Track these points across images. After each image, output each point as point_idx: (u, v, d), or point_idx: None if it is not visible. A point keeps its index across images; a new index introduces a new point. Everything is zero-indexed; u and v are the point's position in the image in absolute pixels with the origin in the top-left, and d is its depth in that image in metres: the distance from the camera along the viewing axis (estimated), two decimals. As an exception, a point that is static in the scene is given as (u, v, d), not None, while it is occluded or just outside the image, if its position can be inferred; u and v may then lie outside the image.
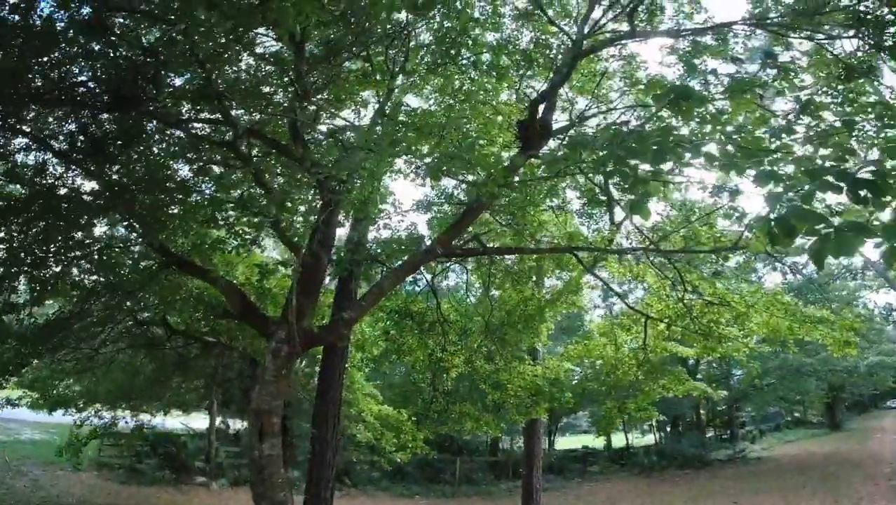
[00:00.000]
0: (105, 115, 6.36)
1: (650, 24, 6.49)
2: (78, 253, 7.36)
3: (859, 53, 6.07)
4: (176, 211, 7.09)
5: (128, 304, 8.95)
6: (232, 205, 7.03)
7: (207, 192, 7.46)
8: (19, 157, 6.88)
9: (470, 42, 6.43)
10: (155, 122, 6.68)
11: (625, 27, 6.39)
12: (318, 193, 6.48)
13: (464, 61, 6.50)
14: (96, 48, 5.78)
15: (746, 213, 6.53)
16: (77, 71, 6.18)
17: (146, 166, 6.71)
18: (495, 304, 10.79)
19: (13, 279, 6.98)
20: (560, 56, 6.97)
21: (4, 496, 11.69)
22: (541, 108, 6.57)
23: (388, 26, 5.67)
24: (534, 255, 9.70)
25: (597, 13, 6.85)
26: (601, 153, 3.69)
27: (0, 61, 5.39)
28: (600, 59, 7.54)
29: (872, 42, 5.85)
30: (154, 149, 7.04)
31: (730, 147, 3.17)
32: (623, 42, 6.72)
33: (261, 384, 6.40)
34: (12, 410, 12.98)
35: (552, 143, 7.01)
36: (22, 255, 6.78)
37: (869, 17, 5.71)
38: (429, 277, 9.68)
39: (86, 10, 5.50)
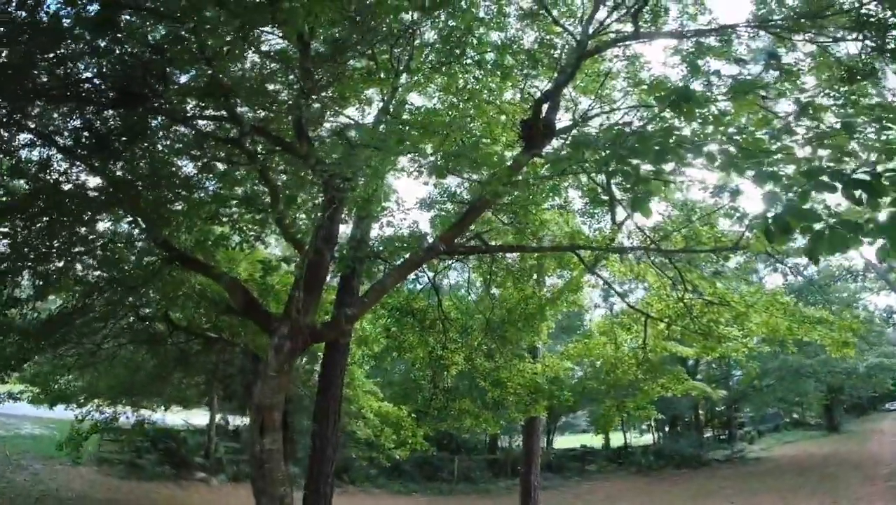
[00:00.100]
0: (110, 112, 6.38)
1: (654, 25, 6.51)
2: (81, 249, 7.37)
3: (862, 56, 6.09)
4: (180, 207, 7.12)
5: (130, 299, 8.96)
6: (236, 201, 7.08)
7: (211, 188, 7.50)
8: (24, 153, 6.91)
9: (474, 41, 6.45)
10: (160, 118, 6.71)
11: (629, 28, 6.41)
12: (323, 191, 6.51)
13: (468, 61, 6.52)
14: (103, 45, 5.81)
15: (747, 213, 6.58)
16: (83, 67, 6.20)
17: (150, 163, 6.73)
18: (496, 302, 10.85)
19: (16, 274, 6.99)
20: (564, 56, 6.99)
21: (4, 490, 11.74)
22: (544, 107, 6.60)
23: (394, 25, 5.69)
24: (535, 253, 9.75)
25: (601, 14, 6.87)
26: (604, 153, 3.73)
27: (6, 58, 5.41)
28: (604, 59, 7.56)
29: (875, 45, 5.88)
30: (158, 145, 7.06)
31: (731, 148, 3.20)
32: (627, 43, 6.75)
33: (263, 379, 6.45)
34: (14, 403, 13.05)
35: (555, 143, 7.05)
36: (25, 250, 6.80)
37: (872, 20, 5.73)
38: (430, 274, 9.73)
39: (93, 7, 5.53)
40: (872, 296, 32.73)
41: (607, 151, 3.71)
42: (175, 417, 19.25)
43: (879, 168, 2.12)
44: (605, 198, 7.19)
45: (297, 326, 6.59)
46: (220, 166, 7.66)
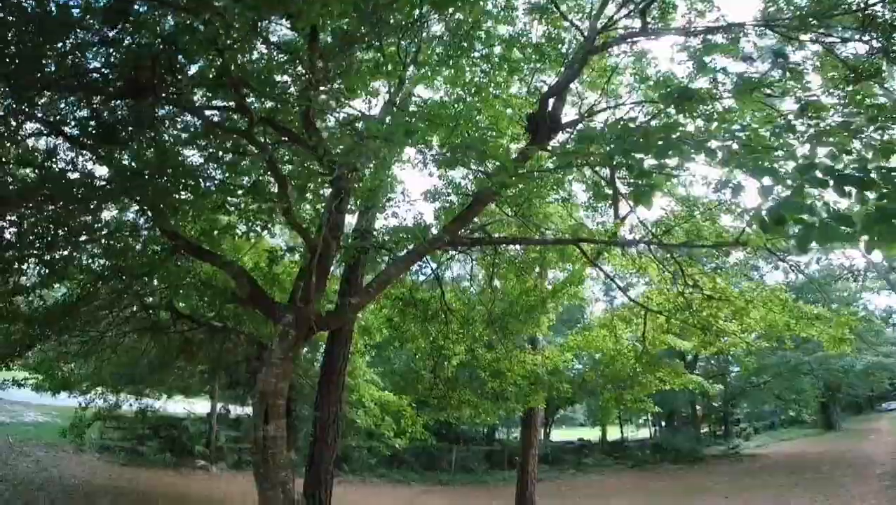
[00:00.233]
0: (118, 102, 6.41)
1: (662, 22, 6.54)
2: (85, 237, 7.41)
3: (867, 57, 6.12)
4: (187, 197, 7.15)
5: (135, 288, 9.03)
6: (242, 191, 7.14)
7: (218, 178, 7.55)
8: (30, 142, 6.94)
9: (482, 35, 6.48)
10: (168, 108, 6.74)
11: (637, 23, 6.44)
12: (329, 181, 6.57)
13: (476, 54, 6.56)
14: (111, 35, 5.84)
15: (749, 209, 6.63)
16: (90, 57, 6.23)
17: (157, 152, 6.76)
18: (498, 294, 10.95)
19: (22, 262, 7.02)
20: (571, 51, 7.03)
21: (8, 476, 11.88)
22: (551, 102, 6.66)
23: (406, 19, 5.73)
24: (539, 245, 9.84)
25: (610, 9, 6.89)
26: (609, 147, 3.80)
27: (15, 48, 5.44)
28: (611, 54, 7.58)
29: (881, 46, 5.91)
30: (165, 135, 7.09)
31: (733, 144, 3.28)
32: (635, 39, 6.77)
33: (267, 366, 6.51)
34: (18, 389, 13.17)
35: (560, 137, 7.12)
36: (31, 238, 6.84)
37: (879, 20, 5.76)
38: (433, 266, 9.83)
39: (104, -2, 5.57)
40: (873, 295, 32.90)
41: (612, 146, 3.79)
42: (176, 406, 19.41)
43: (872, 165, 2.20)
44: (609, 192, 7.25)
45: (302, 315, 6.67)
46: (226, 156, 7.72)
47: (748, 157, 2.88)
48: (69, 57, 5.94)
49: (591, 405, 29.70)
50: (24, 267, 7.26)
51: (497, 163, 4.09)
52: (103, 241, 7.55)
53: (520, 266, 10.74)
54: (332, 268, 8.27)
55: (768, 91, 4.96)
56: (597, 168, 6.38)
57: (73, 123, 6.70)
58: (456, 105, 6.45)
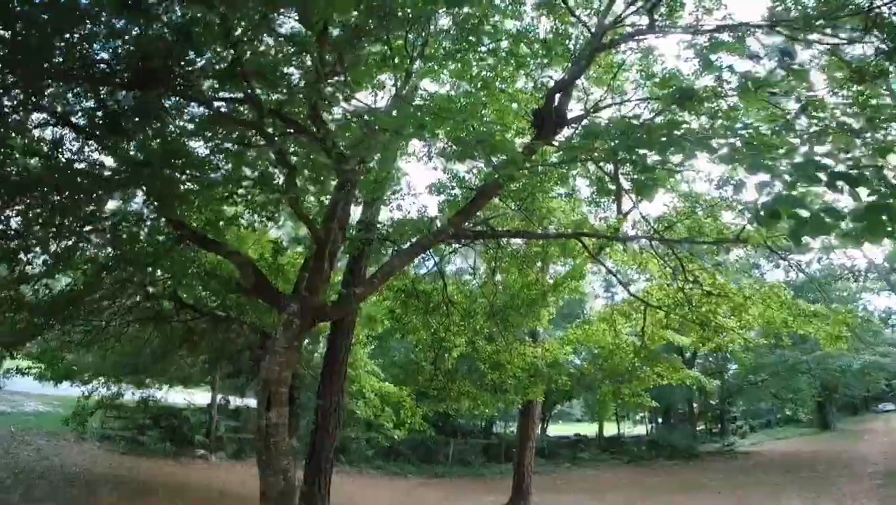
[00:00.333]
0: (125, 92, 6.42)
1: (670, 19, 6.57)
2: (89, 227, 7.43)
3: (872, 57, 6.15)
4: (194, 187, 7.19)
5: (139, 277, 9.06)
6: (250, 182, 7.20)
7: (223, 170, 7.58)
8: (36, 133, 6.93)
9: (490, 29, 6.52)
10: (176, 98, 6.76)
11: (644, 20, 6.47)
12: (336, 174, 6.64)
13: (483, 49, 6.59)
14: (121, 25, 5.86)
15: (748, 202, 6.68)
16: (98, 48, 6.24)
17: (163, 143, 6.79)
18: (500, 287, 11.04)
19: (28, 251, 7.04)
20: (579, 46, 7.06)
21: (10, 464, 12.00)
22: (557, 97, 6.72)
23: (409, 11, 5.77)
24: (541, 240, 9.93)
25: (618, 6, 6.92)
26: (614, 142, 3.88)
27: (24, 39, 5.46)
28: (618, 51, 7.62)
29: (887, 48, 5.93)
30: (172, 126, 7.11)
31: (736, 142, 3.34)
32: (642, 37, 6.81)
33: (271, 355, 6.59)
34: (22, 378, 13.29)
35: (565, 132, 7.18)
36: (36, 228, 6.88)
37: (885, 20, 5.79)
38: (436, 259, 9.92)
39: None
40: (873, 296, 33.01)
41: (616, 142, 3.86)
42: (177, 396, 19.54)
43: (867, 163, 2.29)
44: (612, 187, 7.31)
45: (307, 304, 6.76)
46: (232, 147, 7.76)
47: (748, 155, 2.97)
48: (77, 47, 5.93)
49: (588, 400, 29.88)
50: (30, 256, 7.27)
51: (505, 156, 4.16)
52: (108, 230, 7.56)
53: (522, 260, 10.83)
54: (337, 258, 8.34)
55: (773, 90, 5.01)
56: (601, 163, 6.44)
57: (80, 114, 6.73)
58: (463, 99, 6.50)
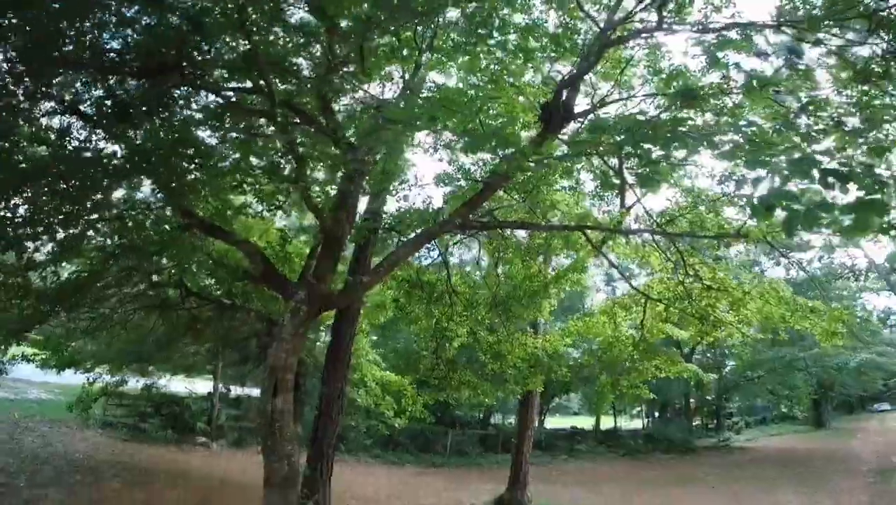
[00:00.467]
0: (135, 81, 6.45)
1: (678, 16, 6.61)
2: (96, 216, 7.48)
3: (879, 58, 6.20)
4: (202, 176, 7.22)
5: (145, 265, 9.11)
6: (259, 172, 7.27)
7: (233, 158, 7.63)
8: (44, 121, 6.92)
9: (498, 22, 6.56)
10: (185, 88, 6.79)
11: (653, 16, 6.52)
12: (344, 164, 6.71)
13: (491, 42, 6.64)
14: (130, 14, 5.89)
15: (746, 195, 6.74)
16: (108, 37, 6.25)
17: (172, 132, 6.82)
18: (503, 278, 11.15)
19: (35, 239, 7.07)
20: (587, 41, 7.10)
21: (14, 450, 12.14)
22: (565, 92, 6.79)
23: (420, 3, 5.82)
24: (545, 232, 10.02)
25: (628, 2, 6.96)
26: (619, 137, 3.97)
27: (34, 28, 5.47)
28: (626, 47, 7.66)
29: (893, 49, 5.98)
30: (181, 115, 7.13)
31: (737, 138, 3.43)
32: (650, 34, 6.85)
33: (278, 341, 6.69)
34: (28, 364, 13.41)
35: (572, 126, 7.26)
36: (43, 215, 6.92)
37: (892, 21, 5.83)
38: (441, 249, 10.02)
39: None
40: (872, 296, 33.11)
41: (622, 136, 3.95)
42: (178, 385, 19.70)
43: (860, 161, 2.41)
44: (616, 181, 7.40)
45: (315, 292, 6.86)
46: (240, 137, 7.78)
47: (749, 151, 3.06)
48: (87, 36, 5.94)
49: (586, 393, 30.10)
50: (38, 244, 7.33)
51: (514, 149, 4.23)
52: (115, 219, 7.59)
53: (525, 252, 10.94)
54: (344, 247, 8.43)
55: (777, 88, 5.09)
56: (606, 157, 6.52)
57: (88, 102, 6.74)
58: (472, 92, 6.56)
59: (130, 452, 14.69)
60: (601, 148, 4.63)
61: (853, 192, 2.38)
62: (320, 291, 6.98)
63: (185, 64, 5.91)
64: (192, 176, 7.05)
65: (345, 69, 6.67)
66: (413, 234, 7.89)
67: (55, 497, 9.38)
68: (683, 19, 6.71)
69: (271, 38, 6.43)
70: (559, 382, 14.28)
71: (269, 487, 6.18)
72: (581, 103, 7.80)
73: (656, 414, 36.60)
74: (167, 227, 7.88)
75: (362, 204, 9.59)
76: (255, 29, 5.80)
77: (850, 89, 6.14)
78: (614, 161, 6.77)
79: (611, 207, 9.53)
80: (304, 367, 10.77)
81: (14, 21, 5.51)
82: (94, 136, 6.92)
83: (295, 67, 6.50)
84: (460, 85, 7.90)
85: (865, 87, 5.94)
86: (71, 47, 5.89)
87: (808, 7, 6.00)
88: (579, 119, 7.15)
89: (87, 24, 5.84)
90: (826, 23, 5.73)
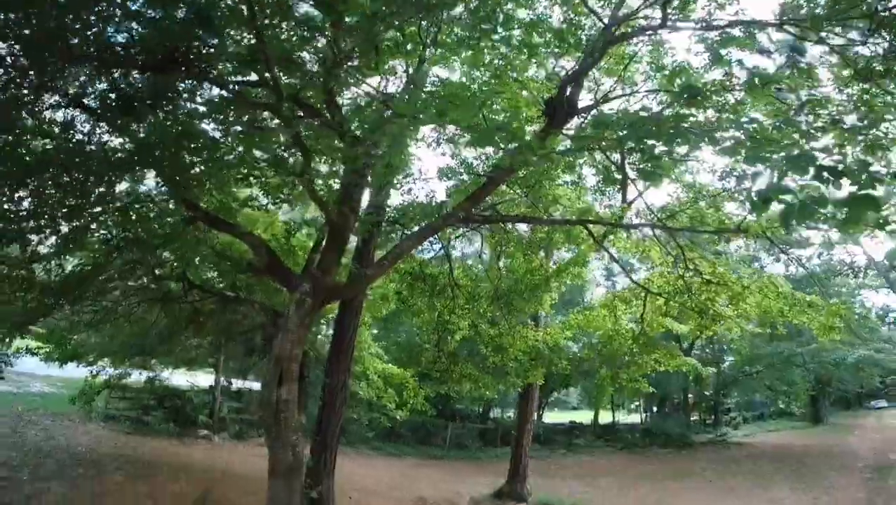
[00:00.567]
0: (139, 75, 6.46)
1: (682, 13, 6.65)
2: (100, 209, 7.50)
3: (881, 57, 6.24)
4: (206, 169, 7.25)
5: (150, 258, 9.14)
6: (264, 165, 7.32)
7: (238, 152, 7.66)
8: (48, 114, 6.97)
9: (502, 17, 6.60)
10: (191, 81, 6.81)
11: (657, 14, 6.55)
12: (348, 158, 6.76)
13: (496, 37, 6.67)
14: (136, 6, 5.91)
15: (745, 189, 6.82)
16: (112, 30, 6.26)
17: (178, 124, 6.84)
18: (504, 272, 11.23)
19: (39, 232, 7.08)
20: (591, 37, 7.14)
21: (18, 443, 12.21)
22: (568, 87, 6.84)
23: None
24: (546, 226, 10.08)
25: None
26: (622, 133, 4.03)
27: (39, 21, 5.50)
28: (629, 43, 7.70)
29: (895, 47, 6.02)
30: (185, 108, 7.15)
31: (738, 134, 3.49)
32: (654, 31, 6.88)
33: (283, 332, 6.74)
34: (32, 357, 13.46)
35: (575, 121, 7.31)
36: (46, 208, 6.95)
37: (893, 20, 5.87)
38: (444, 242, 10.09)
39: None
40: (871, 293, 33.22)
41: (625, 132, 4.02)
42: (180, 378, 19.78)
43: (854, 158, 2.49)
44: (619, 176, 7.46)
45: (320, 283, 6.92)
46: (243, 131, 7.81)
47: (749, 147, 3.13)
48: (92, 29, 5.95)
49: (585, 387, 30.25)
50: (42, 237, 7.33)
51: (519, 143, 4.29)
52: (119, 212, 7.59)
53: (527, 246, 11.02)
54: (349, 240, 8.49)
55: (779, 86, 5.14)
56: (608, 152, 6.58)
57: (92, 96, 6.75)
58: (475, 87, 6.61)
59: (133, 445, 14.75)
60: (604, 143, 4.69)
61: (847, 188, 2.47)
62: (326, 283, 7.04)
63: (191, 57, 5.94)
64: (197, 169, 7.09)
65: (349, 63, 6.70)
66: (417, 228, 7.95)
67: (58, 490, 9.39)
68: (687, 16, 6.75)
69: (280, 32, 6.46)
70: (559, 375, 14.37)
71: (274, 476, 6.24)
72: (584, 99, 7.86)
73: (654, 409, 36.79)
74: (171, 219, 7.93)
75: (366, 197, 9.68)
76: (263, 23, 5.84)
77: (850, 87, 6.19)
78: (616, 156, 6.84)
79: (612, 202, 9.61)
80: (307, 358, 10.84)
81: (19, 14, 5.52)
82: (98, 129, 6.94)
83: (300, 61, 6.54)
84: (463, 80, 7.94)
85: (866, 86, 6.00)
86: (76, 41, 5.90)
87: (811, 6, 6.04)
88: (583, 114, 7.20)
89: (93, 17, 5.85)
90: (828, 22, 5.77)
